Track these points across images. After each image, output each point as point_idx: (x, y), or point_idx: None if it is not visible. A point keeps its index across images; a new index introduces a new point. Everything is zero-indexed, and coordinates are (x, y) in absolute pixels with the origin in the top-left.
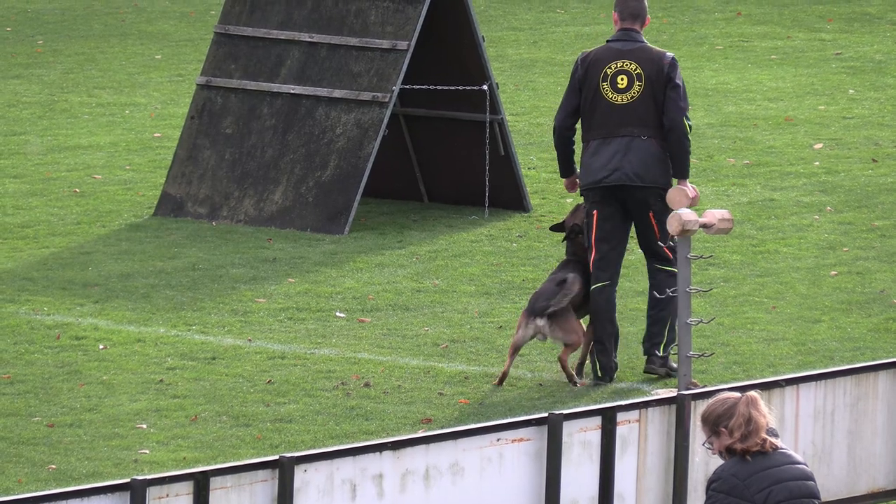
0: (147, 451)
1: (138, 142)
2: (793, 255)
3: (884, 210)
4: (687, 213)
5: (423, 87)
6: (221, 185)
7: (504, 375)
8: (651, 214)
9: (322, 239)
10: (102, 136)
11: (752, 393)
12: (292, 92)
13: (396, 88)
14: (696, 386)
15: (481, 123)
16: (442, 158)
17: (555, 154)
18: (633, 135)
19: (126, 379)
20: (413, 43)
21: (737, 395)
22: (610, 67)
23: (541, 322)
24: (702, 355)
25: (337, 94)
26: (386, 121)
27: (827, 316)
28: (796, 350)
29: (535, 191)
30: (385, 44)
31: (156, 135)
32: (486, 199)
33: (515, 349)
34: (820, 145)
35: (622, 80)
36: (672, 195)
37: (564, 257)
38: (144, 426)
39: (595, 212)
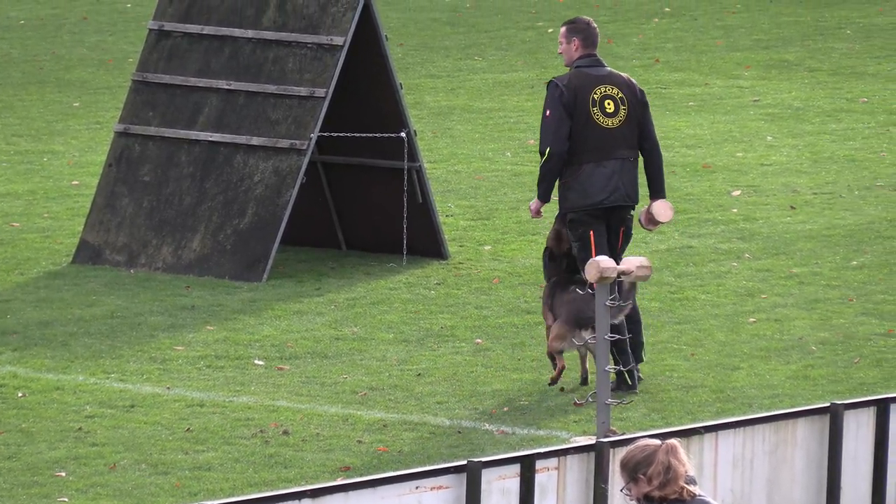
0: (66, 500)
1: (56, 189)
2: (711, 301)
3: (802, 257)
4: (605, 261)
5: (341, 134)
6: (140, 232)
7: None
8: (622, 230)
9: (240, 287)
10: (20, 184)
11: (672, 440)
12: (210, 139)
13: (314, 136)
14: (614, 433)
15: (399, 171)
16: (360, 206)
17: (471, 202)
18: (624, 157)
19: (45, 427)
20: (331, 90)
21: (656, 442)
22: (596, 93)
23: (587, 334)
24: (620, 402)
25: (255, 141)
26: (304, 168)
27: (745, 363)
28: (715, 397)
29: (453, 238)
30: (303, 91)
31: (74, 182)
32: (405, 246)
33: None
34: (738, 192)
35: (609, 104)
36: (660, 208)
37: (546, 280)
38: (63, 474)
39: (591, 231)
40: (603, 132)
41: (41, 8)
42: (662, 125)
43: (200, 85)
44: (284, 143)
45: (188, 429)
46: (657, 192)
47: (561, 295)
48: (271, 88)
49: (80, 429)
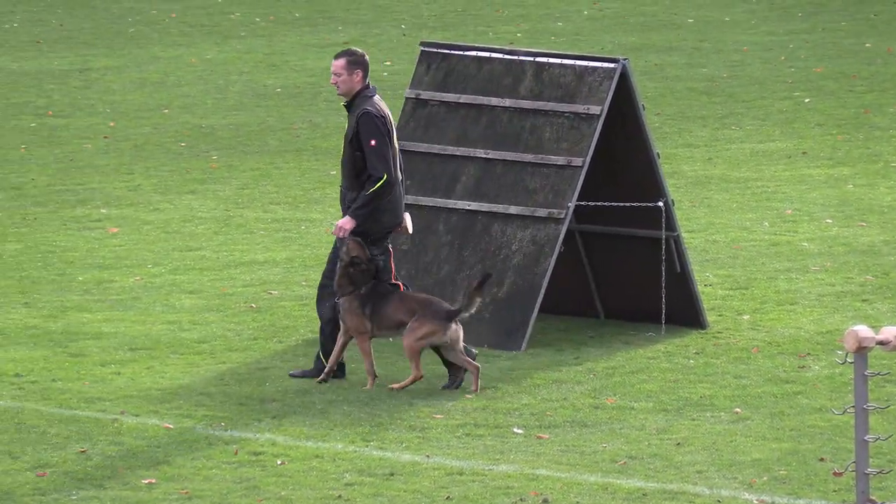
0: None
1: (314, 257)
2: None
3: None
4: (864, 331)
5: (599, 203)
6: None
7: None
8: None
9: (499, 355)
10: (278, 252)
11: None
12: (468, 208)
13: (572, 205)
14: (874, 503)
15: (657, 240)
16: (618, 274)
17: (729, 272)
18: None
19: (304, 495)
20: (588, 159)
21: None
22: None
23: (455, 326)
24: (880, 472)
25: (513, 210)
26: (562, 237)
27: None
28: None
29: (712, 307)
30: (560, 160)
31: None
32: (663, 315)
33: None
34: None
35: None
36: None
37: (346, 292)
38: None
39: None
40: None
41: (298, 76)
42: None
43: (458, 153)
44: (542, 212)
45: (448, 497)
46: None
47: (386, 300)
48: (529, 157)
49: (339, 497)
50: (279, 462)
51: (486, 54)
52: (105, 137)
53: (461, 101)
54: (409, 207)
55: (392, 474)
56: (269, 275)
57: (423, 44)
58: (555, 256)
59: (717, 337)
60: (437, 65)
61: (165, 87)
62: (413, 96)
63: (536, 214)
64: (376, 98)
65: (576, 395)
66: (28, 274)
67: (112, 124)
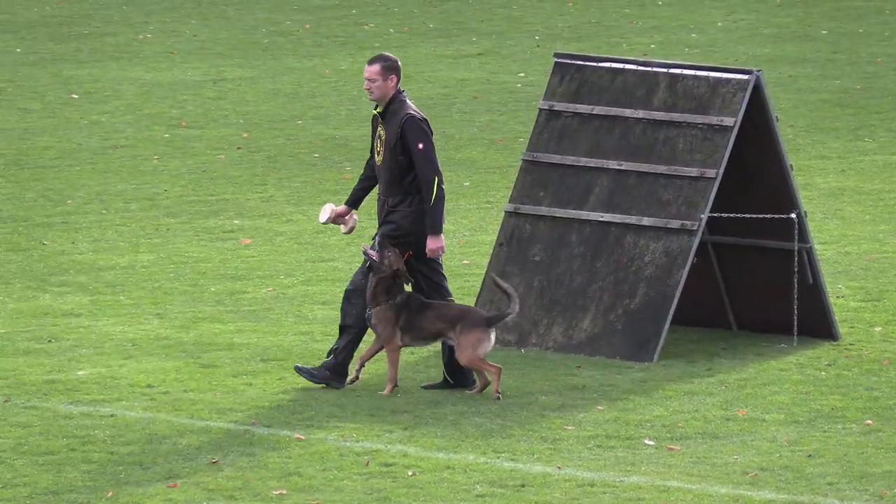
0: None
1: (447, 269)
2: None
3: None
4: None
5: (731, 215)
6: (530, 311)
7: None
8: None
9: (631, 367)
10: None
11: None
12: (601, 219)
13: (705, 216)
14: None
15: (790, 251)
16: (750, 286)
17: (861, 283)
18: None
19: None
20: (721, 171)
21: None
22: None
23: (493, 333)
24: None
25: (646, 221)
26: (694, 249)
27: None
28: None
29: (844, 319)
30: (693, 171)
31: (464, 262)
32: (795, 327)
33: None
34: None
35: None
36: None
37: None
38: None
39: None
40: None
41: (431, 87)
42: None
43: (591, 165)
44: (675, 224)
45: None
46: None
47: (421, 311)
48: (662, 169)
49: None
50: (410, 473)
51: (620, 66)
52: (238, 148)
53: (594, 112)
54: (543, 219)
55: (523, 486)
56: None
57: (556, 55)
58: (687, 268)
59: (849, 349)
60: (571, 76)
61: (299, 98)
62: (546, 107)
63: (669, 226)
64: (411, 102)
65: (707, 406)
66: (161, 285)
67: (245, 135)
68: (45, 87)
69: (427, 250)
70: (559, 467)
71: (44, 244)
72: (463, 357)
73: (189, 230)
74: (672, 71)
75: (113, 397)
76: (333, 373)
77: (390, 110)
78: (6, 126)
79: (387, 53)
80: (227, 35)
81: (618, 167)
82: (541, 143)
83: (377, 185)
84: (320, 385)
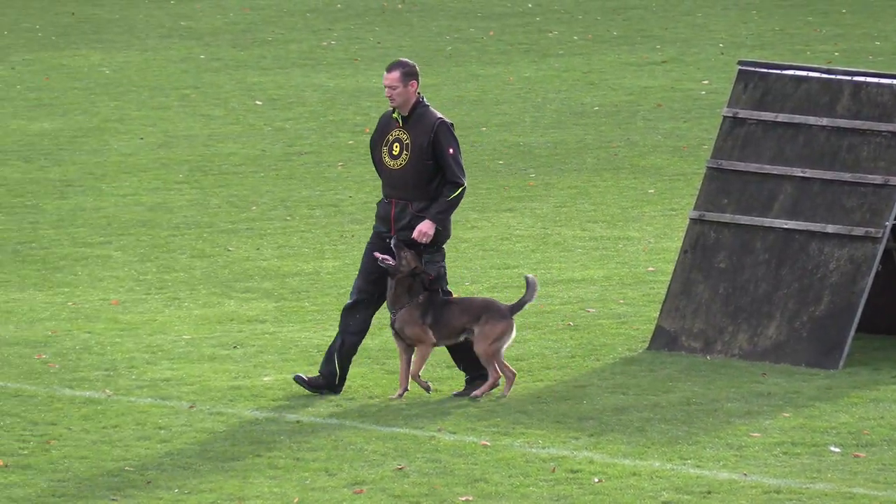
0: None
1: (632, 276)
2: None
3: None
4: None
5: None
6: (715, 319)
7: (496, 384)
8: None
9: (816, 374)
10: (596, 270)
11: None
12: (785, 227)
13: (889, 223)
14: None
15: None
16: None
17: None
18: None
19: None
20: None
21: None
22: None
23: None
24: None
25: (830, 229)
26: (879, 256)
27: None
28: None
29: None
30: (877, 179)
31: (649, 269)
32: None
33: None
34: None
35: None
36: None
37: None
38: None
39: None
40: None
41: (615, 94)
42: None
43: (775, 172)
44: (859, 231)
45: None
46: None
47: (446, 307)
48: (846, 176)
49: None
50: (596, 480)
51: (804, 73)
52: None
53: (778, 119)
54: (727, 226)
55: (709, 492)
56: (586, 293)
57: (740, 63)
58: (872, 275)
59: None
60: (755, 84)
61: (483, 105)
62: (730, 115)
63: (853, 233)
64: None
65: (893, 413)
66: (345, 291)
67: None
68: (228, 93)
69: (417, 230)
70: (745, 474)
71: (228, 250)
72: (480, 347)
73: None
74: (856, 79)
75: (298, 403)
76: (327, 380)
77: (415, 115)
78: (190, 132)
79: (404, 59)
80: (411, 42)
81: (801, 174)
82: (725, 150)
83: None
84: (335, 390)
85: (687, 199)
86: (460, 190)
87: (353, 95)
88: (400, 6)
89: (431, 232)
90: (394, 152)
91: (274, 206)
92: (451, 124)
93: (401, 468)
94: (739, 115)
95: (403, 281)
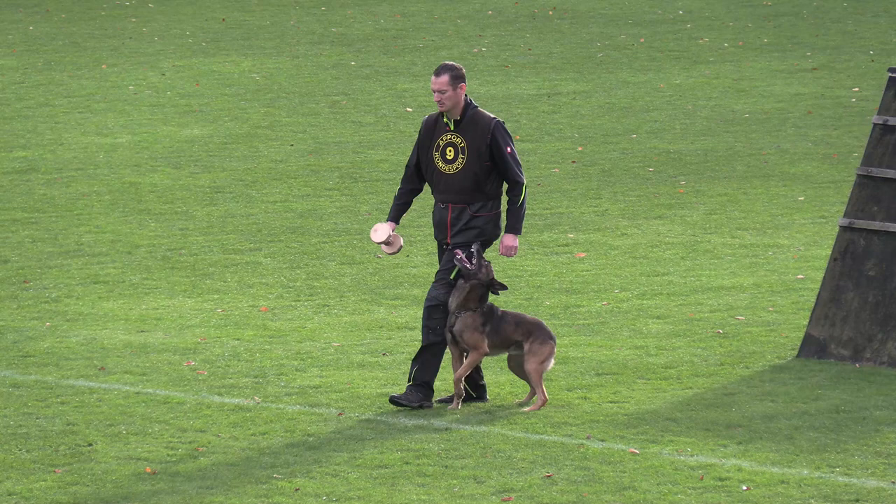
0: None
1: (781, 283)
2: None
3: None
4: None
5: None
6: (864, 326)
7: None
8: None
9: None
10: (745, 277)
11: None
12: None
13: None
14: None
15: None
16: None
17: None
18: None
19: None
20: None
21: None
22: None
23: None
24: None
25: None
26: None
27: None
28: None
29: None
30: None
31: (798, 276)
32: None
33: None
34: None
35: None
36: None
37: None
38: None
39: None
40: None
41: (766, 102)
42: None
43: None
44: None
45: None
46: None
47: (503, 320)
48: None
49: None
50: (744, 488)
51: None
52: (573, 162)
53: None
54: (877, 233)
55: (857, 501)
56: (735, 300)
57: (891, 70)
58: None
59: None
60: None
61: (633, 112)
62: (881, 122)
63: None
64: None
65: None
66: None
67: (580, 149)
68: (378, 100)
69: (502, 246)
70: (893, 482)
71: (378, 257)
72: (531, 365)
73: (523, 244)
74: None
75: (447, 411)
76: (424, 393)
77: (467, 118)
78: (341, 139)
79: (450, 62)
80: (562, 49)
81: None
82: (875, 157)
83: (413, 196)
84: (416, 406)
85: (837, 206)
86: (524, 191)
87: (503, 102)
88: (551, 13)
89: (517, 245)
90: (448, 156)
91: (423, 213)
92: (504, 122)
93: (549, 476)
94: (889, 123)
95: (478, 288)
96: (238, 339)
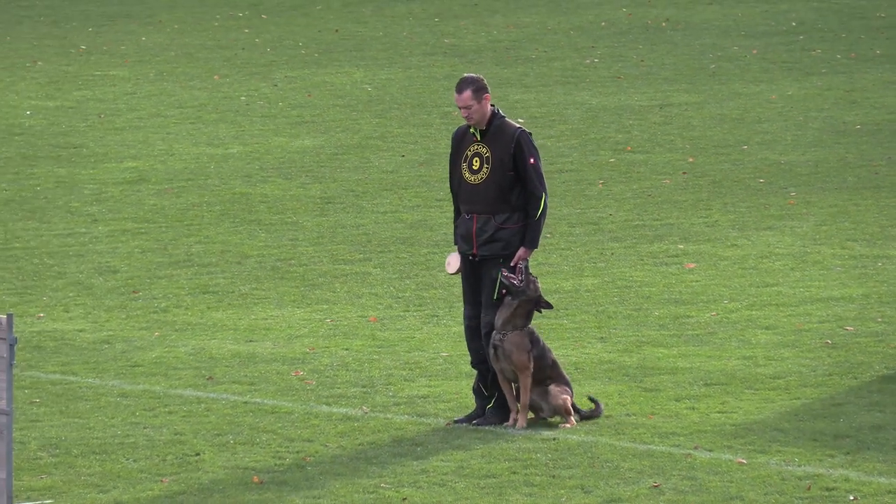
0: None
1: (890, 294)
2: None
3: None
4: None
5: None
6: None
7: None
8: None
9: None
10: (854, 288)
11: None
12: None
13: None
14: None
15: None
16: None
17: None
18: None
19: None
20: None
21: None
22: None
23: None
24: None
25: None
26: None
27: None
28: None
29: None
30: None
31: None
32: None
33: None
34: None
35: None
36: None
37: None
38: None
39: None
40: None
41: (878, 113)
42: None
43: None
44: None
45: None
46: None
47: (542, 343)
48: None
49: None
50: (852, 498)
51: None
52: (683, 173)
53: None
54: None
55: None
56: (844, 311)
57: None
58: None
59: None
60: None
61: (745, 124)
62: None
63: None
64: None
65: None
66: (604, 309)
67: (691, 160)
68: None
69: (516, 256)
70: None
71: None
72: (562, 396)
73: (633, 254)
74: None
75: (556, 421)
76: (500, 412)
77: (492, 128)
78: None
79: (469, 75)
80: (674, 60)
81: None
82: None
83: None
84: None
85: None
86: (543, 204)
87: (615, 113)
88: (664, 24)
89: (528, 257)
90: (474, 167)
91: None
92: (530, 133)
93: (656, 486)
94: None
95: (526, 305)
96: (347, 349)
